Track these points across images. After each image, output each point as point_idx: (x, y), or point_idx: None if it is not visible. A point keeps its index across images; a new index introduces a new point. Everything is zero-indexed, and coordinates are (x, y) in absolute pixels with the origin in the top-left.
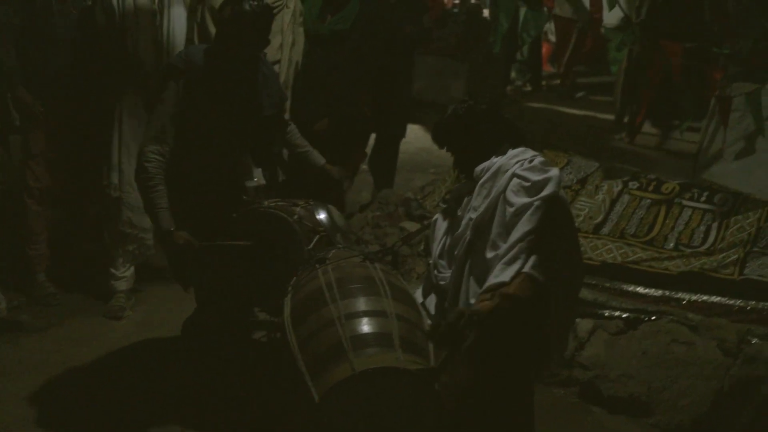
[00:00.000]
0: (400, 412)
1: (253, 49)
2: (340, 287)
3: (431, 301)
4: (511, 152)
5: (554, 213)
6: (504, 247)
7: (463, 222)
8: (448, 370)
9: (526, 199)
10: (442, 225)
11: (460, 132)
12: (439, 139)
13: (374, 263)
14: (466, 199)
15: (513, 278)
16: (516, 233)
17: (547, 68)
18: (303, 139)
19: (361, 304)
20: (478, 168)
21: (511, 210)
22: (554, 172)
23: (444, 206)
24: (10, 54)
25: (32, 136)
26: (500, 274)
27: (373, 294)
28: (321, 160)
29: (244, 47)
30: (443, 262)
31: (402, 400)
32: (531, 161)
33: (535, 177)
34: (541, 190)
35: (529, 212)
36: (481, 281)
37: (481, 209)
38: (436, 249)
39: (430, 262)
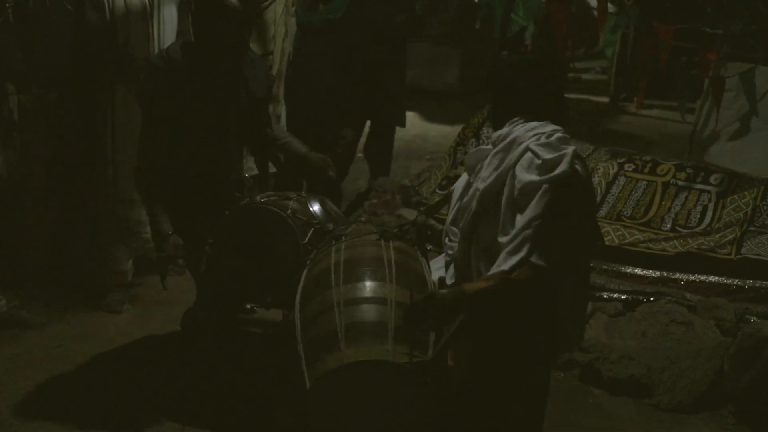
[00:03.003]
0: (390, 404)
1: (234, 37)
2: (346, 269)
3: (451, 272)
4: (531, 124)
5: (565, 194)
6: (511, 234)
7: (470, 191)
8: (441, 362)
9: (534, 178)
10: (458, 189)
11: (516, 78)
12: (495, 76)
13: (390, 241)
14: (479, 166)
15: (513, 267)
16: (522, 219)
17: None
18: (282, 130)
19: (363, 290)
20: (496, 134)
21: (518, 187)
22: (569, 150)
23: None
24: (15, 54)
25: (31, 134)
26: (503, 264)
27: (377, 279)
28: (302, 148)
29: (226, 35)
30: (455, 230)
31: (391, 392)
32: (549, 136)
33: (548, 155)
34: (552, 170)
35: (537, 196)
36: (490, 259)
37: (489, 181)
38: (449, 214)
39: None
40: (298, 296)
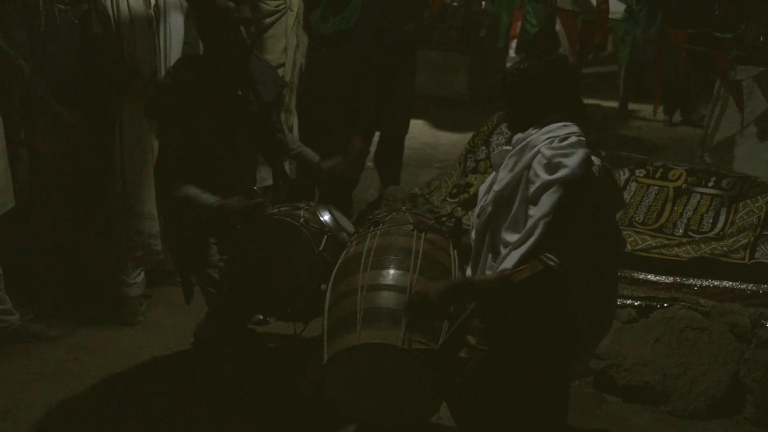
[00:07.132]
0: (398, 387)
1: (236, 37)
2: (375, 256)
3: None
4: (548, 127)
5: (575, 194)
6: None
7: (490, 193)
8: (449, 352)
9: (546, 178)
10: (485, 186)
11: (534, 81)
12: (507, 81)
13: (423, 232)
14: (501, 167)
15: (517, 262)
16: (530, 219)
17: None
18: (294, 140)
19: (386, 277)
20: (515, 137)
21: (532, 188)
22: (579, 152)
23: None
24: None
25: (42, 149)
26: (506, 258)
27: (401, 268)
28: (315, 158)
29: (234, 45)
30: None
31: (399, 376)
32: (563, 140)
33: (556, 157)
34: (560, 170)
35: (545, 195)
36: (496, 255)
37: (503, 183)
38: (476, 210)
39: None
40: (332, 275)
